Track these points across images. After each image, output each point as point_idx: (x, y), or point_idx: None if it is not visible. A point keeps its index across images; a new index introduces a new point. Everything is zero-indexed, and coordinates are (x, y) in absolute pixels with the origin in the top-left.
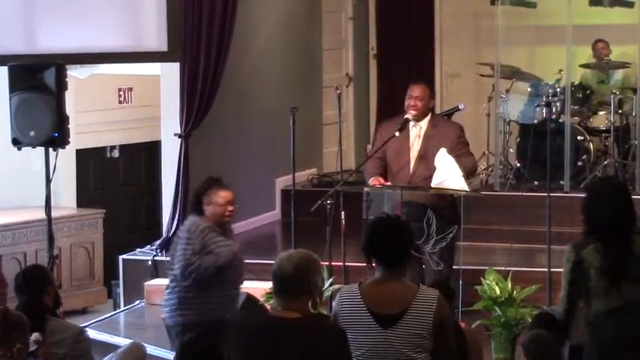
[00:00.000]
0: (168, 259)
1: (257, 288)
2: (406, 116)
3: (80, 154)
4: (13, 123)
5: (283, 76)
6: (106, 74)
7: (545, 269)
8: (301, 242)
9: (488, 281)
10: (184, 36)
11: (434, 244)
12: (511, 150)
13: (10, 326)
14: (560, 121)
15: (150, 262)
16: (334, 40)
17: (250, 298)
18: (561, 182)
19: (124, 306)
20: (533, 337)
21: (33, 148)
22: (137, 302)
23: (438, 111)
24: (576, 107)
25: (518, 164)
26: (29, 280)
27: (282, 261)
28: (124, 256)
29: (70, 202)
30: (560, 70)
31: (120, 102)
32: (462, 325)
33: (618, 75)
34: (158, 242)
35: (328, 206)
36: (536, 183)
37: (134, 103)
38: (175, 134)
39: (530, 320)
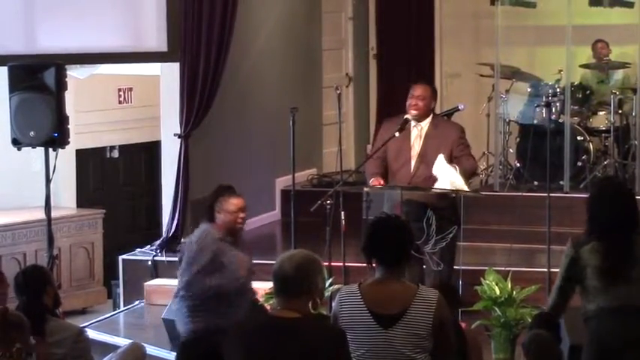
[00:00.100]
0: (176, 259)
1: (257, 288)
2: (406, 116)
3: (80, 154)
4: (13, 123)
5: (283, 76)
6: (105, 74)
7: (545, 269)
8: (301, 242)
9: (488, 281)
10: (184, 36)
11: (434, 244)
12: (511, 150)
13: (10, 326)
14: (560, 121)
15: (150, 263)
16: (334, 40)
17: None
18: (561, 182)
19: (124, 306)
20: (533, 337)
21: (33, 148)
22: (137, 302)
23: (437, 111)
24: (576, 107)
25: (518, 164)
26: (29, 281)
27: (284, 261)
28: (124, 257)
29: (70, 202)
30: (560, 71)
31: (120, 102)
32: (462, 325)
33: (618, 75)
34: (158, 242)
35: (328, 206)
36: (535, 183)
37: (134, 103)
38: (175, 134)
39: (529, 320)
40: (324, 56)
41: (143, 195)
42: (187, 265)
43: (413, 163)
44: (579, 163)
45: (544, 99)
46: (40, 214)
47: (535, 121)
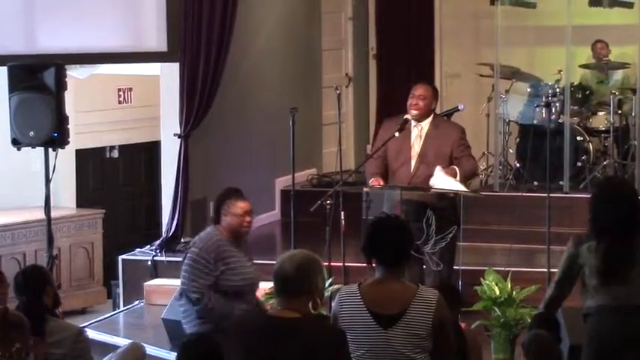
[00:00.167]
0: (176, 259)
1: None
2: (406, 116)
3: (80, 154)
4: (13, 123)
5: (283, 76)
6: (105, 74)
7: (545, 270)
8: (301, 242)
9: (487, 281)
10: (184, 36)
11: (434, 244)
12: (511, 150)
13: (10, 326)
14: (560, 121)
15: (149, 263)
16: (334, 41)
17: None
18: (561, 183)
19: (124, 306)
20: (532, 337)
21: (33, 148)
22: (136, 302)
23: (437, 111)
24: (576, 108)
25: (518, 165)
26: (29, 281)
27: (284, 261)
28: (124, 257)
29: (70, 203)
30: (560, 71)
31: (119, 102)
32: (462, 325)
33: (618, 75)
34: (158, 242)
35: (328, 206)
36: (535, 183)
37: (134, 103)
38: (175, 134)
39: (529, 320)
40: (323, 56)
41: (143, 195)
42: (187, 272)
43: (413, 163)
44: (579, 164)
45: (544, 99)
46: (40, 214)
47: (535, 122)
